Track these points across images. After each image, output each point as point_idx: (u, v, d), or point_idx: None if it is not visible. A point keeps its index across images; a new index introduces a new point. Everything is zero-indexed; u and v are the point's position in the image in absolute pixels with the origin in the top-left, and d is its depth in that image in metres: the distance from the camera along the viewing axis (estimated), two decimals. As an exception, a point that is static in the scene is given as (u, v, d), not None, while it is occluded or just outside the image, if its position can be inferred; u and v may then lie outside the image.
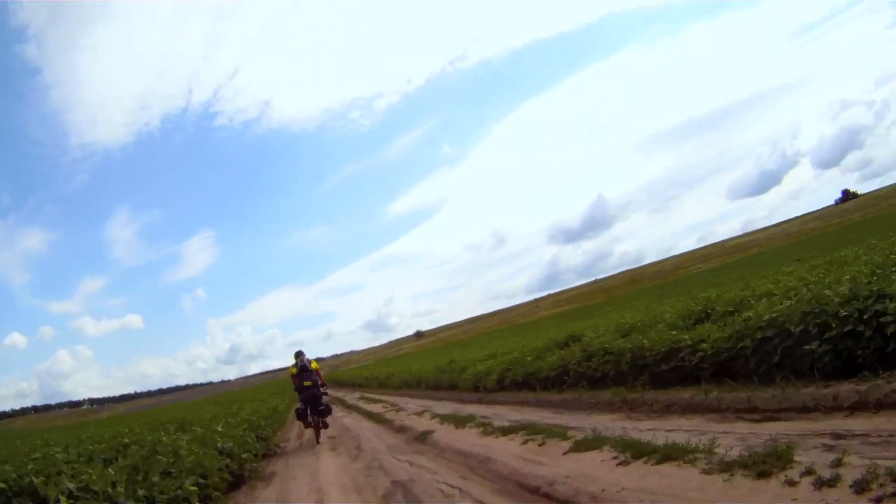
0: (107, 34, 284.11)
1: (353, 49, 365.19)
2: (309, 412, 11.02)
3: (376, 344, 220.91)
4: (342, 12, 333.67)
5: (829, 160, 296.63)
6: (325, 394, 11.34)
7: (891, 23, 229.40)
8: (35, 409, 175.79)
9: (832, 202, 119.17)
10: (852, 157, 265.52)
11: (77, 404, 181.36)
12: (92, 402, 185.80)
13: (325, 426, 11.28)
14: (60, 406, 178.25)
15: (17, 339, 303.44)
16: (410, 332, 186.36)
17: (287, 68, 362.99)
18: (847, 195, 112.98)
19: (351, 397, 24.29)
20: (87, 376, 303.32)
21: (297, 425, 13.01)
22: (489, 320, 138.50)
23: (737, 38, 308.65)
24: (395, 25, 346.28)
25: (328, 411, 11.37)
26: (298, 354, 11.37)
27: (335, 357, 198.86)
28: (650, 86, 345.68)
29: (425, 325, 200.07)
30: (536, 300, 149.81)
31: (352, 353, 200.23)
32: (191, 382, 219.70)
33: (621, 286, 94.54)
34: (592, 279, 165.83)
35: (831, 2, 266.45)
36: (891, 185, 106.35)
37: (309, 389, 11.03)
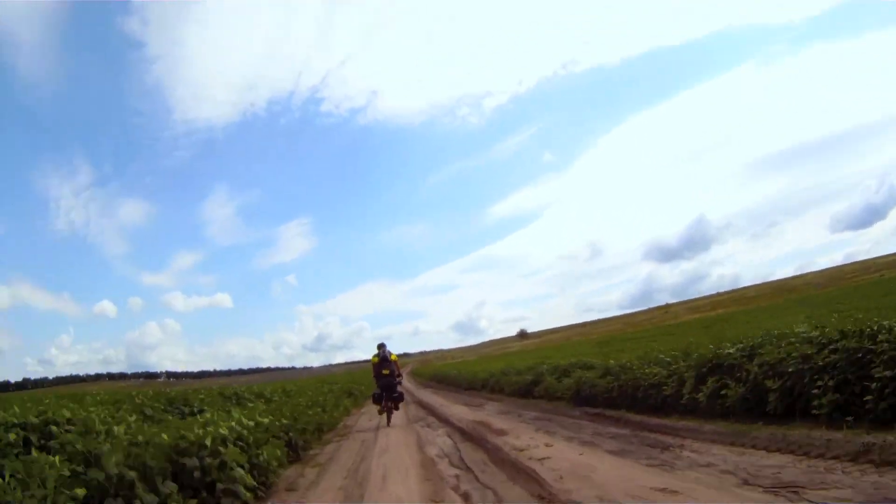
0: (217, 11, 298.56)
1: (465, 45, 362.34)
2: (384, 398, 12.75)
3: (463, 345, 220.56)
4: (457, 7, 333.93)
5: None
6: (400, 383, 13.17)
7: None
8: (110, 375, 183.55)
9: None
10: None
11: (154, 375, 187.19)
12: (169, 374, 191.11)
13: (397, 408, 13.21)
14: (137, 375, 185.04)
15: (107, 306, 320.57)
16: (499, 336, 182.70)
17: (398, 59, 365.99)
18: None
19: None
20: (172, 350, 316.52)
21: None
22: (609, 324, 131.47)
23: (856, 64, 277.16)
24: (509, 24, 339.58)
25: (401, 398, 13.33)
26: (381, 346, 13.10)
27: (423, 353, 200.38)
28: (763, 106, 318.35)
29: (511, 331, 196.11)
30: (667, 305, 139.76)
31: (440, 350, 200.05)
32: (273, 366, 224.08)
33: (762, 297, 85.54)
34: (716, 291, 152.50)
35: None
36: None
37: (386, 378, 12.72)
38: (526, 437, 8.08)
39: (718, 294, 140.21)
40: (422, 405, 18.48)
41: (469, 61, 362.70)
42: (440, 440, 9.18)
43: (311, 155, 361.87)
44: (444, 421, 12.20)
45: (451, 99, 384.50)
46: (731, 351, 7.27)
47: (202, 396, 13.26)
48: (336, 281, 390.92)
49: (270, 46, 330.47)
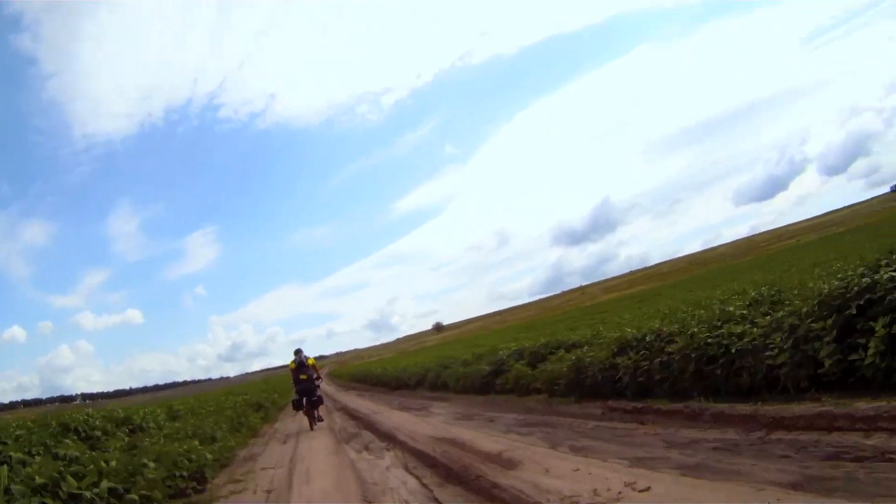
0: (109, 24, 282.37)
1: (361, 42, 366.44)
2: (304, 402, 12.67)
3: (378, 343, 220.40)
4: (351, 4, 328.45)
5: (837, 167, 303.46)
6: (319, 386, 13.09)
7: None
8: (25, 402, 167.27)
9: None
10: (860, 164, 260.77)
11: (69, 399, 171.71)
12: (84, 396, 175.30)
13: (321, 419, 12.94)
14: (52, 400, 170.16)
15: (17, 332, 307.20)
16: (414, 331, 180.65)
17: (293, 61, 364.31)
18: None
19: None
20: (87, 371, 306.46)
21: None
22: (526, 311, 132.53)
23: (749, 41, 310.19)
24: (403, 18, 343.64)
25: (320, 402, 13.22)
26: (297, 351, 13.11)
27: (339, 354, 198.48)
28: (660, 87, 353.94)
29: (425, 326, 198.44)
30: (581, 287, 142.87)
31: (356, 350, 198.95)
32: (190, 379, 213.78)
33: (676, 272, 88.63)
34: (629, 270, 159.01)
35: (845, 5, 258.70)
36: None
37: (304, 382, 12.68)
38: (561, 467, 4.58)
39: (631, 272, 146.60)
40: (350, 414, 14.77)
41: (366, 58, 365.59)
42: (395, 478, 5.69)
43: (211, 162, 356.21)
44: (389, 438, 8.72)
45: (350, 97, 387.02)
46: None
47: (18, 433, 8.46)
48: (246, 288, 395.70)
49: (165, 54, 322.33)
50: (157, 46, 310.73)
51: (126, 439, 9.61)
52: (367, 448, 8.23)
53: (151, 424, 11.47)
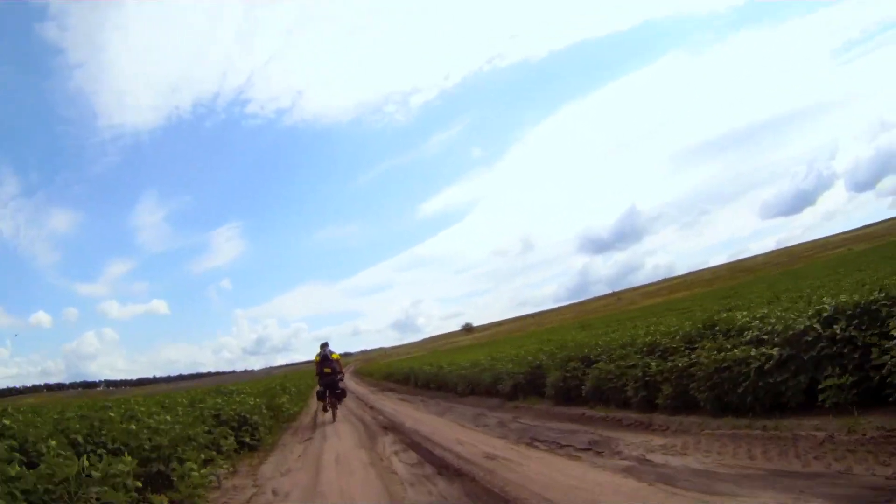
0: (137, 14, 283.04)
1: (390, 41, 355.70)
2: (327, 395, 13.34)
3: (404, 342, 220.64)
4: (380, 3, 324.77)
5: (865, 183, 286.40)
6: (342, 380, 13.69)
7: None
8: (48, 387, 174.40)
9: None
10: (889, 181, 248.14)
11: (92, 385, 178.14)
12: (108, 383, 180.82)
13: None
14: (75, 386, 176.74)
15: (42, 317, 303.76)
16: (439, 332, 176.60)
17: (322, 58, 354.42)
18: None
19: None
20: (111, 359, 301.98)
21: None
22: (560, 314, 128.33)
23: (779, 52, 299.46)
24: (433, 18, 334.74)
25: (343, 395, 13.94)
26: (323, 345, 13.71)
27: (364, 352, 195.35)
28: (690, 95, 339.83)
29: (451, 328, 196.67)
30: (616, 293, 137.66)
31: (382, 349, 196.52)
32: (214, 370, 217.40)
33: (720, 278, 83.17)
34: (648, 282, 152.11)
35: (877, 18, 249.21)
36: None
37: (328, 376, 13.37)
38: None
39: (667, 279, 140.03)
40: (408, 441, 9.13)
41: (395, 58, 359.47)
42: None
43: (239, 157, 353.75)
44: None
45: (378, 97, 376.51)
46: None
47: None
48: (271, 284, 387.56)
49: (193, 47, 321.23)
50: (186, 39, 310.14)
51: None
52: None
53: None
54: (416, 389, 22.76)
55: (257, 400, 11.82)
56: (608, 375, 8.89)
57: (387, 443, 9.34)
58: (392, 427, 11.30)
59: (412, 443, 8.97)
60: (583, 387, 9.63)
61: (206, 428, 8.00)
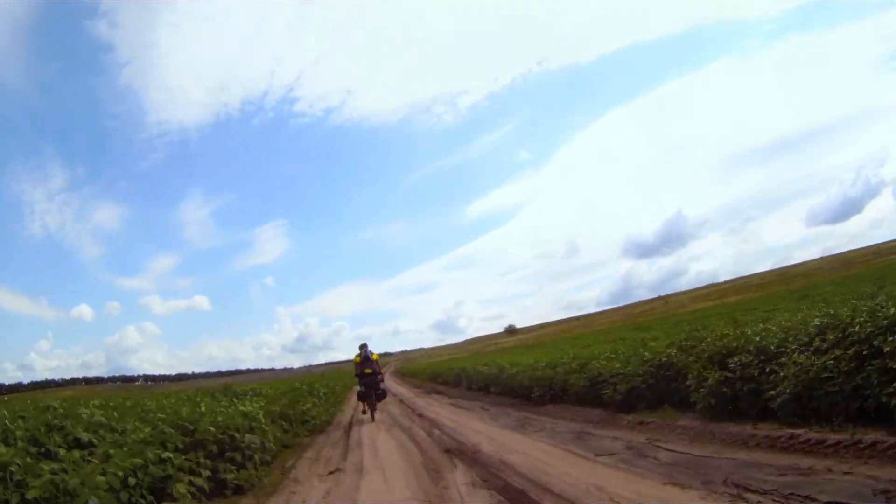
0: (187, 12, 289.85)
1: (440, 42, 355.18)
2: (369, 395, 13.38)
3: (445, 343, 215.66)
4: (430, 4, 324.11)
5: None
6: (382, 380, 13.80)
7: None
8: (86, 380, 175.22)
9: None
10: None
11: (131, 379, 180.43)
12: (146, 378, 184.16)
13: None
14: (114, 380, 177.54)
15: (84, 310, 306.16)
16: (480, 333, 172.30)
17: (371, 58, 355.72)
18: None
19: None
20: (152, 353, 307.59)
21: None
22: (606, 317, 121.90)
23: (828, 58, 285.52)
24: (483, 21, 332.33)
25: (384, 395, 14.19)
26: (363, 346, 13.82)
27: (404, 353, 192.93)
28: (739, 101, 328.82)
29: (492, 329, 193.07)
30: (663, 297, 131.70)
31: (422, 349, 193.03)
32: (253, 367, 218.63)
33: (770, 284, 77.46)
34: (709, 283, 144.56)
35: None
36: None
37: (369, 376, 13.38)
38: None
39: (716, 284, 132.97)
40: (498, 484, 5.52)
41: (444, 59, 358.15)
42: None
43: (286, 155, 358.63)
44: None
45: (427, 97, 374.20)
46: None
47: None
48: (314, 282, 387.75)
49: (242, 45, 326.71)
50: (235, 37, 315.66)
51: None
52: None
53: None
54: (468, 393, 19.50)
55: (262, 407, 8.24)
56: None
57: (459, 483, 5.81)
58: (460, 451, 7.78)
59: (505, 488, 5.38)
60: (770, 393, 6.21)
61: (156, 455, 4.55)
